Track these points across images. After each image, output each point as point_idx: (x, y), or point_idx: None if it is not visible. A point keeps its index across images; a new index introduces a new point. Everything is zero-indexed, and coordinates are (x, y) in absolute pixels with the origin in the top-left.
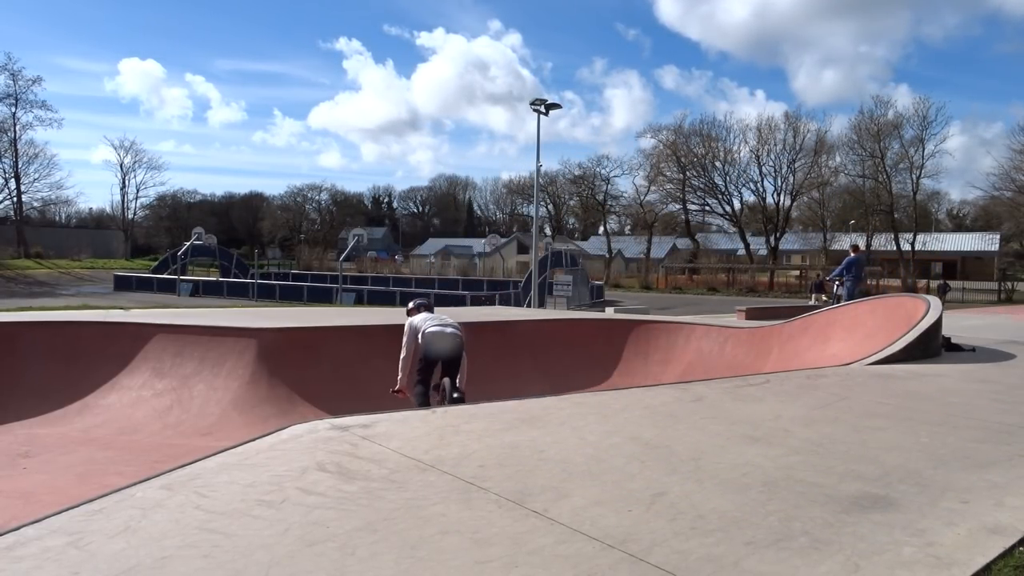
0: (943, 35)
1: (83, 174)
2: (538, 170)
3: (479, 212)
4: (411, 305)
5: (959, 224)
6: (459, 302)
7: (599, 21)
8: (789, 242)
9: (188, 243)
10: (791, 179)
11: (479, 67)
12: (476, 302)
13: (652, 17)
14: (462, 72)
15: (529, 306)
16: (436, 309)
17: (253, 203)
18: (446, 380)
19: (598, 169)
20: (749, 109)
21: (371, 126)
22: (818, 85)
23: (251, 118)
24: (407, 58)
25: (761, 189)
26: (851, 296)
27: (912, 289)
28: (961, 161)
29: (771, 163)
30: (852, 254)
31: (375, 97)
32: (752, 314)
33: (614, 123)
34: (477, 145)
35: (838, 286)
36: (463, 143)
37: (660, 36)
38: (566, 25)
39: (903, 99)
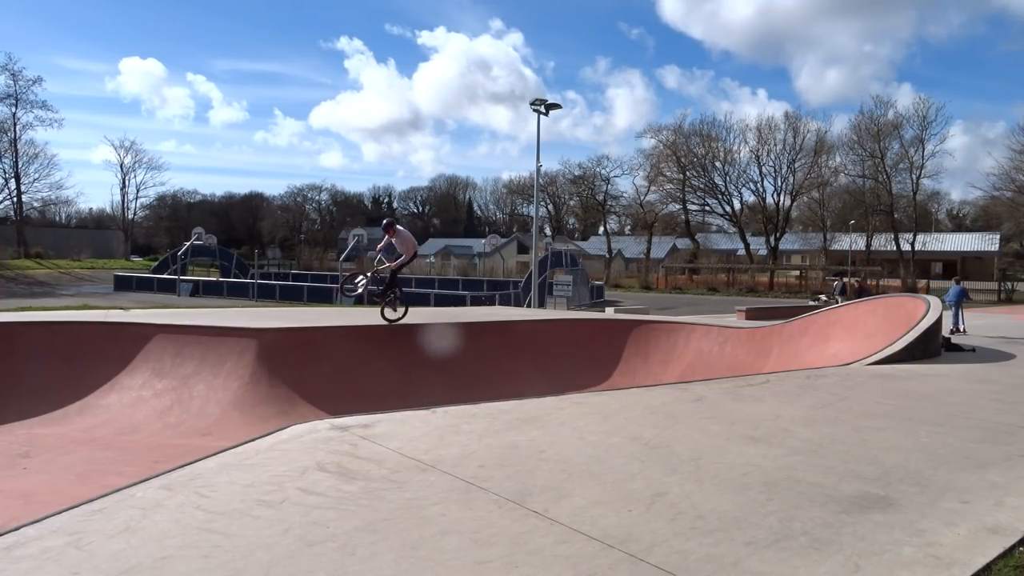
0: (947, 34)
1: (83, 174)
2: (538, 170)
3: (479, 212)
4: (387, 222)
5: (959, 224)
6: (459, 302)
7: (601, 20)
8: (789, 242)
9: (188, 243)
10: (791, 179)
11: (481, 66)
12: (476, 302)
13: (655, 16)
14: (464, 71)
15: (529, 306)
16: (435, 309)
17: (253, 203)
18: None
19: (598, 169)
20: (752, 109)
21: (373, 126)
22: (821, 85)
23: (253, 118)
24: (409, 57)
25: (761, 189)
26: (957, 319)
27: (912, 289)
28: (964, 161)
29: (771, 163)
30: (957, 285)
31: (377, 97)
32: (752, 314)
33: (616, 123)
34: (479, 145)
35: (837, 285)
36: (465, 143)
37: (663, 35)
38: (567, 24)
39: (907, 99)
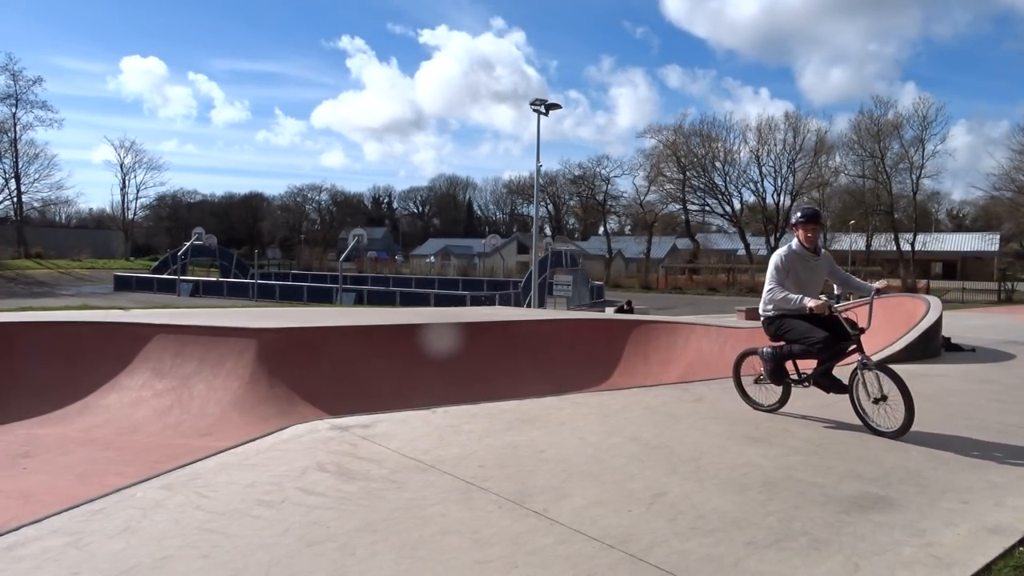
0: (952, 33)
1: (83, 174)
2: (538, 170)
3: (479, 212)
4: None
5: (959, 224)
6: (459, 302)
7: (604, 19)
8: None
9: (188, 243)
10: (791, 179)
11: (483, 65)
12: (476, 302)
13: (659, 15)
14: (466, 70)
15: (529, 306)
16: (436, 310)
17: (253, 203)
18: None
19: (598, 169)
20: (755, 108)
21: (375, 125)
22: (825, 84)
23: (254, 118)
24: (411, 56)
25: (761, 189)
26: None
27: (912, 289)
28: (968, 161)
29: (771, 163)
30: None
31: (379, 96)
32: (752, 314)
33: (619, 122)
34: (481, 144)
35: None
36: (467, 142)
37: (667, 34)
38: (570, 23)
39: (911, 98)
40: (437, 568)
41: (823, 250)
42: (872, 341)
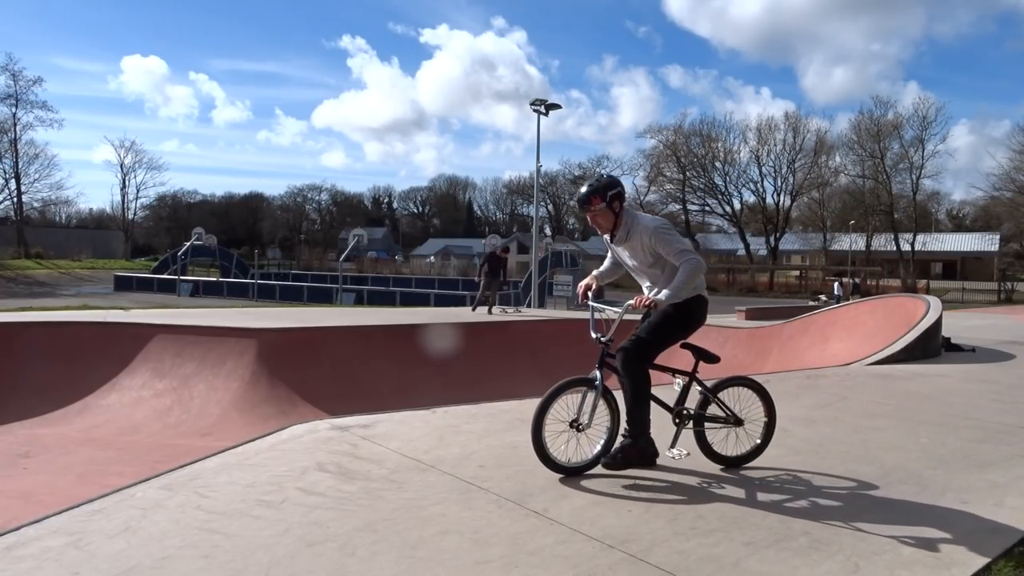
0: (955, 33)
1: (84, 174)
2: (538, 170)
3: (479, 212)
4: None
5: (959, 224)
6: (459, 302)
7: (606, 18)
8: (789, 242)
9: (188, 243)
10: (791, 179)
11: (485, 65)
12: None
13: (661, 14)
14: (468, 70)
15: (529, 306)
16: (436, 310)
17: (253, 203)
18: None
19: (598, 169)
20: (757, 108)
21: (376, 125)
22: (827, 84)
23: (256, 118)
24: (412, 56)
25: (761, 189)
26: None
27: (912, 289)
28: (969, 161)
29: (771, 163)
30: None
31: (380, 95)
32: (752, 314)
33: (621, 122)
34: (482, 144)
35: (837, 286)
36: (468, 142)
37: (669, 33)
38: (571, 23)
39: (913, 98)
40: (437, 568)
41: (639, 222)
42: (872, 341)
